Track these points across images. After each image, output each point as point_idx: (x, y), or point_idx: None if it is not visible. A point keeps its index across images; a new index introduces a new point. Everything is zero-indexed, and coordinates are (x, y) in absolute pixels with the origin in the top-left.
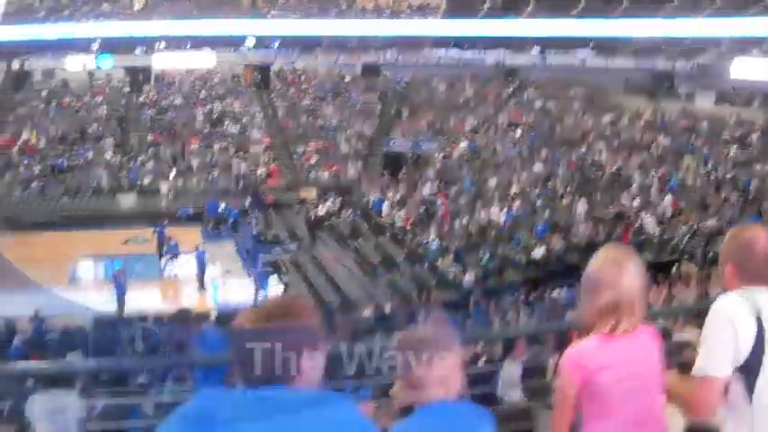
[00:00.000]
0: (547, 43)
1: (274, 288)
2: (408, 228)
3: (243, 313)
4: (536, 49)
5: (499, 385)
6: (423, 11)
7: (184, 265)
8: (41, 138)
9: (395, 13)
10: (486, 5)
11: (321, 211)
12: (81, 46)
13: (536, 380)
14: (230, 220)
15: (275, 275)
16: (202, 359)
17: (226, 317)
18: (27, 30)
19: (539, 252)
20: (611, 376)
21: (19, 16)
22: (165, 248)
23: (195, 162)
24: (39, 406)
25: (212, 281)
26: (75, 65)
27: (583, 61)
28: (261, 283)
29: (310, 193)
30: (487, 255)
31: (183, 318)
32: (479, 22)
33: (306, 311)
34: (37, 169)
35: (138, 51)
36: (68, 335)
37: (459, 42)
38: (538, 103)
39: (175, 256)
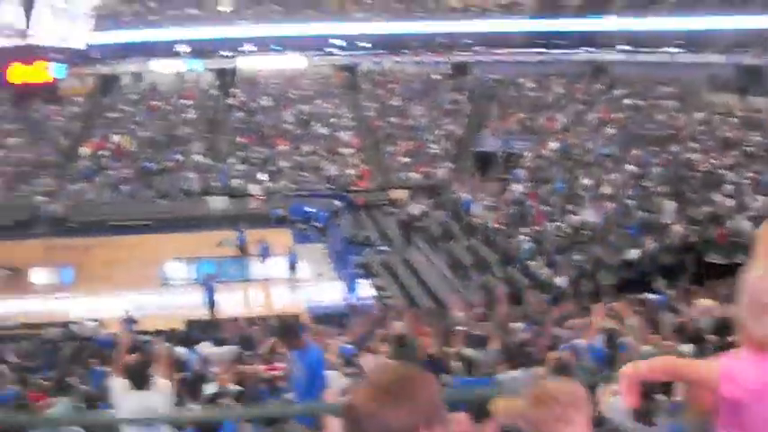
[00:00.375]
0: (635, 39)
1: (365, 290)
2: (500, 228)
3: (357, 389)
4: (624, 46)
5: (610, 411)
6: (510, 9)
7: (276, 268)
8: (131, 141)
9: (483, 12)
10: (575, 2)
11: (412, 212)
12: (169, 50)
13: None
14: (320, 222)
15: (366, 278)
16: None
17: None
18: (115, 35)
19: (632, 253)
20: (760, 405)
21: (106, 22)
22: (248, 252)
23: (285, 164)
24: (127, 405)
25: (303, 283)
26: (163, 68)
27: (672, 57)
28: (352, 285)
29: (401, 194)
30: (580, 256)
31: (288, 329)
32: (568, 19)
33: (426, 385)
34: (127, 172)
35: (225, 54)
36: (160, 337)
37: (547, 40)
38: (628, 101)
39: (267, 258)
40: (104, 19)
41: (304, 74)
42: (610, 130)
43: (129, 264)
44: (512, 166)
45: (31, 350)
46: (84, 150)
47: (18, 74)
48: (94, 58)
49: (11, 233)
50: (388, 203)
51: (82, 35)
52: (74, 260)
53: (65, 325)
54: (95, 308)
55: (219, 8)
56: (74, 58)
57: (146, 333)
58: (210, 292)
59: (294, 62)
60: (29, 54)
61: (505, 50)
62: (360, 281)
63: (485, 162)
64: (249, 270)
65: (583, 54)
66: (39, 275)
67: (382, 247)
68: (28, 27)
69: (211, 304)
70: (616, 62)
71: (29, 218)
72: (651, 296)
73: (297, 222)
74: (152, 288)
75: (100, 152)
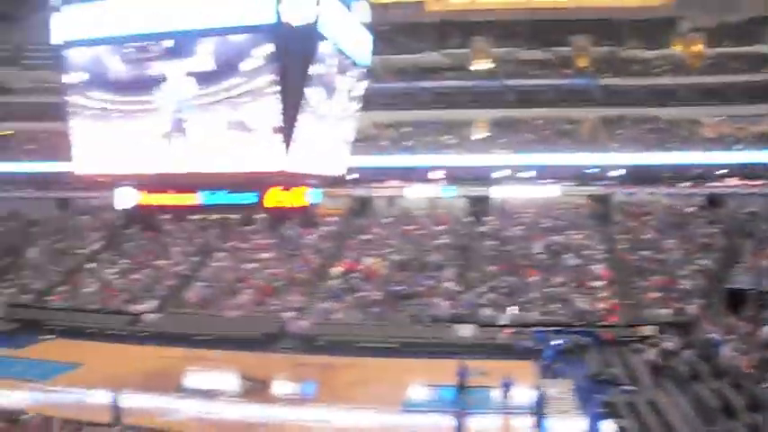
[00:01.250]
0: None
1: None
2: (750, 372)
3: None
4: None
5: None
6: None
7: (519, 402)
8: (383, 263)
9: (738, 142)
10: None
11: (662, 350)
12: (423, 175)
13: None
14: (565, 356)
15: (610, 418)
16: None
17: None
18: (371, 159)
19: None
20: None
21: (363, 146)
22: (468, 386)
23: (534, 295)
24: None
25: (545, 420)
26: (416, 193)
27: None
28: (594, 425)
29: (650, 331)
30: None
31: None
32: None
33: None
34: (377, 295)
35: (479, 182)
36: None
37: None
38: None
39: (509, 391)
40: (361, 143)
41: (556, 203)
42: None
43: (372, 385)
44: (764, 306)
45: None
46: (336, 270)
47: (275, 199)
48: (350, 181)
49: (258, 345)
50: (637, 340)
51: (341, 163)
52: (317, 377)
53: None
54: (335, 422)
55: (473, 136)
56: (329, 181)
57: None
58: (458, 421)
59: (547, 191)
60: (286, 180)
61: (761, 182)
62: (603, 421)
63: (736, 300)
64: (492, 402)
65: None
66: (281, 388)
67: (628, 387)
68: (287, 155)
69: None
70: None
71: (276, 332)
72: None
73: (542, 356)
74: (394, 412)
75: (351, 273)
